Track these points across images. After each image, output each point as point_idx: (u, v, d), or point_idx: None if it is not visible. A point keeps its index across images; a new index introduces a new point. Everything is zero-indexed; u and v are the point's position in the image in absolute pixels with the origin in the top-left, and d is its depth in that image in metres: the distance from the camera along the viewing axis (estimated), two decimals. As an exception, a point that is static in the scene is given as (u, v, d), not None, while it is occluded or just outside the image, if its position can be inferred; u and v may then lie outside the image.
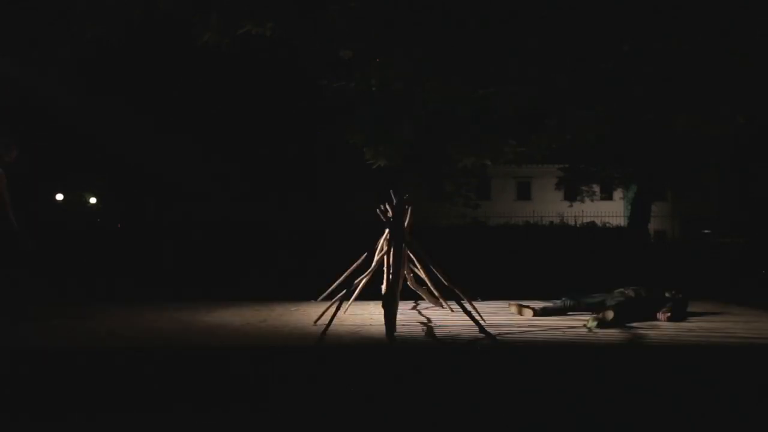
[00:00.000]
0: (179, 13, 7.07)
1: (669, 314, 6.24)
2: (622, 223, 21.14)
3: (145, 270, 10.56)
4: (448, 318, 6.55)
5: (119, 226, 15.42)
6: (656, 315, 6.27)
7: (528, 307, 6.76)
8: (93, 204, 26.13)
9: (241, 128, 18.95)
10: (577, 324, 5.97)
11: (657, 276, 8.83)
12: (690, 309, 6.63)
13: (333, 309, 5.65)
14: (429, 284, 6.94)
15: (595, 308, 6.31)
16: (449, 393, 3.91)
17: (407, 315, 6.70)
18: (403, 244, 6.13)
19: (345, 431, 3.33)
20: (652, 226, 18.82)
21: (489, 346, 4.88)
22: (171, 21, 7.87)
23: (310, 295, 8.03)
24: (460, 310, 5.61)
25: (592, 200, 22.88)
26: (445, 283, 6.20)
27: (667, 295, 6.54)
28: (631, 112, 8.37)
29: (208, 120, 18.58)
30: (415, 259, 6.45)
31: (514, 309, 6.86)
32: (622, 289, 6.55)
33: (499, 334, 5.31)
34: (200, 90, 17.62)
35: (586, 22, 7.00)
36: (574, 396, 3.85)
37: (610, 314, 5.90)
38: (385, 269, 5.98)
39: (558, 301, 6.86)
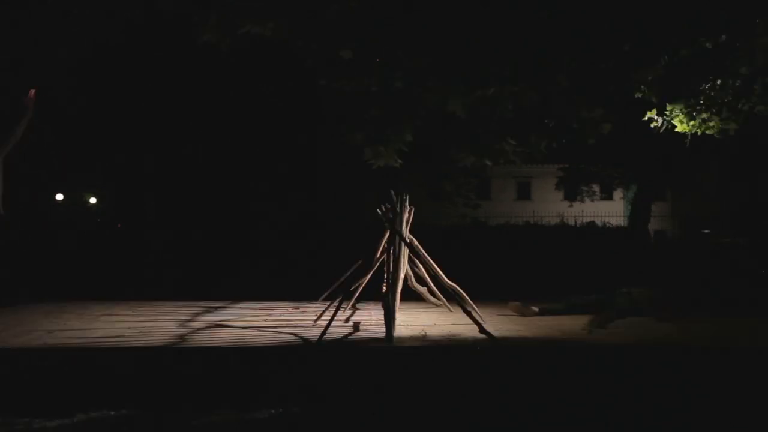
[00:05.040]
0: (179, 12, 7.07)
1: (667, 314, 6.25)
2: (622, 223, 21.08)
3: (145, 270, 10.56)
4: (448, 318, 6.56)
5: (119, 226, 15.39)
6: (655, 315, 6.28)
7: (529, 307, 6.77)
8: (93, 204, 26.09)
9: (241, 129, 18.93)
10: (577, 324, 5.98)
11: (657, 276, 8.83)
12: (689, 309, 6.64)
13: (333, 309, 5.65)
14: (430, 284, 6.94)
15: (594, 309, 6.32)
16: (449, 393, 3.91)
17: (407, 315, 6.70)
18: (403, 244, 6.12)
19: (345, 430, 3.33)
20: (652, 226, 18.78)
21: (489, 346, 4.88)
22: (171, 21, 7.87)
23: (310, 295, 8.03)
24: (460, 310, 5.61)
25: (592, 200, 22.84)
26: (445, 283, 6.20)
27: (664, 295, 6.54)
28: (631, 110, 8.37)
29: (207, 120, 18.57)
30: (415, 259, 6.45)
31: (514, 309, 6.86)
32: (622, 290, 6.56)
33: (498, 334, 5.31)
34: (199, 90, 17.61)
35: (587, 22, 7.00)
36: (574, 396, 3.85)
37: (609, 315, 5.90)
38: (385, 269, 5.98)
39: (558, 302, 6.87)
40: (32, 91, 5.75)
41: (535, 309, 6.73)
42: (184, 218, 14.67)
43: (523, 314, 6.72)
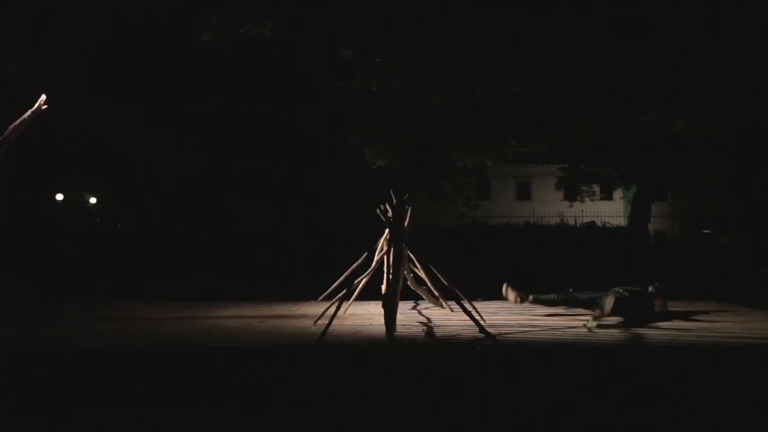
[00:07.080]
0: (180, 12, 7.09)
1: (666, 313, 6.24)
2: (622, 223, 21.08)
3: (145, 270, 10.57)
4: (448, 318, 6.56)
5: (119, 226, 15.40)
6: (654, 315, 6.27)
7: (519, 293, 6.69)
8: (93, 204, 26.11)
9: (240, 129, 18.97)
10: (577, 324, 5.98)
11: (657, 276, 8.83)
12: (690, 309, 6.64)
13: (333, 309, 5.66)
14: (429, 284, 6.94)
15: (588, 304, 6.27)
16: (449, 393, 3.91)
17: (407, 315, 6.70)
18: (403, 244, 6.13)
19: (344, 431, 3.33)
20: (652, 226, 18.77)
21: (489, 346, 4.88)
22: (171, 20, 7.88)
23: (310, 295, 8.03)
24: (460, 310, 5.61)
25: (592, 200, 22.84)
26: (445, 283, 6.20)
27: (663, 295, 6.52)
28: (631, 112, 8.39)
29: (207, 120, 18.60)
30: (415, 259, 6.45)
31: (509, 293, 6.80)
32: (616, 289, 6.55)
33: (499, 334, 5.31)
34: (199, 90, 17.63)
35: (587, 22, 7.02)
36: (574, 396, 3.85)
37: (608, 306, 5.87)
38: (385, 269, 5.98)
39: (552, 295, 6.81)
40: (43, 98, 5.74)
41: (523, 296, 6.69)
42: (184, 218, 14.68)
43: (517, 297, 6.66)
